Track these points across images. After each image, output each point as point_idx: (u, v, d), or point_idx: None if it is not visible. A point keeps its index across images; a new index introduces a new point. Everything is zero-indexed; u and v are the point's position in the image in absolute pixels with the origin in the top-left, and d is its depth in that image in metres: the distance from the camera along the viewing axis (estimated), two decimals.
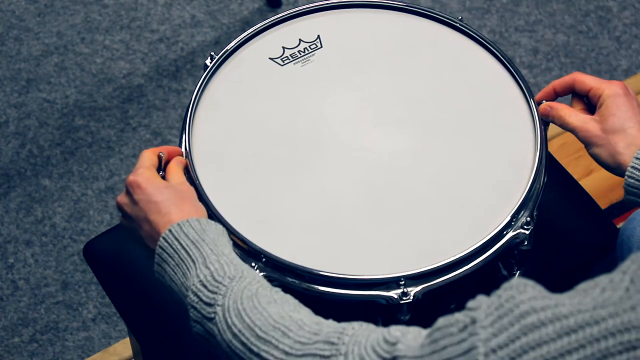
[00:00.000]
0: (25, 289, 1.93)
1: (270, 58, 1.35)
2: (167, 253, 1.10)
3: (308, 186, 1.24)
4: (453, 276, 1.17)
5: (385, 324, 1.14)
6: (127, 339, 1.85)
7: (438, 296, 1.16)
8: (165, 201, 1.13)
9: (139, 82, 2.19)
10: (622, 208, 1.96)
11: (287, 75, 1.33)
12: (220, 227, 1.13)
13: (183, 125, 1.27)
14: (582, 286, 0.83)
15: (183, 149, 1.25)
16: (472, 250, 1.17)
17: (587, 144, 1.23)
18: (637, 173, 1.18)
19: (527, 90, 1.30)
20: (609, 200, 1.97)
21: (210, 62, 1.33)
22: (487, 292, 1.27)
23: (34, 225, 2.00)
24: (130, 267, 1.39)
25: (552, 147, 2.01)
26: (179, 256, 1.09)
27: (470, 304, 0.84)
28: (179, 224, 1.10)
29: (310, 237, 1.20)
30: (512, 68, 1.32)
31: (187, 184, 1.19)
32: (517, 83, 1.32)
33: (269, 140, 1.28)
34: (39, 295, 1.93)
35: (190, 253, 1.08)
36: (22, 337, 1.89)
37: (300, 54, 1.35)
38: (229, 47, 1.34)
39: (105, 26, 2.26)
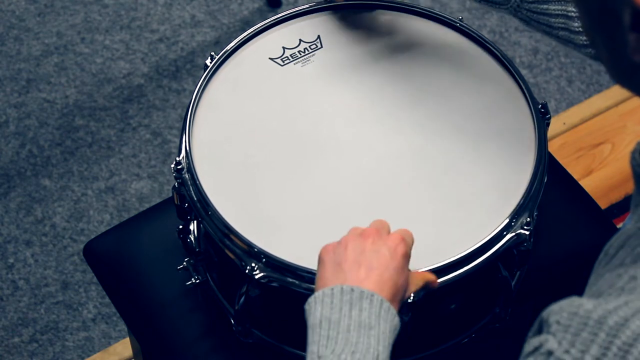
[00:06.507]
0: (25, 289, 1.93)
1: (270, 58, 1.35)
2: (337, 309, 0.99)
3: (308, 186, 1.23)
4: (453, 276, 1.17)
5: None
6: (127, 339, 1.85)
7: (438, 296, 1.16)
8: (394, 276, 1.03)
9: (139, 82, 2.19)
10: (622, 208, 1.96)
11: (287, 76, 1.33)
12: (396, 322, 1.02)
13: (183, 126, 1.27)
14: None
15: (183, 149, 1.25)
16: (472, 251, 1.17)
17: None
18: None
19: (527, 90, 1.30)
20: (609, 200, 1.97)
21: (210, 62, 1.33)
22: (487, 292, 1.27)
23: (34, 225, 2.00)
24: (130, 267, 1.39)
25: (552, 147, 2.01)
26: (340, 325, 0.98)
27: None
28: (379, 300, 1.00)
29: (311, 237, 1.19)
30: (512, 68, 1.32)
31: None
32: (517, 83, 1.32)
33: (269, 140, 1.27)
34: (39, 295, 1.93)
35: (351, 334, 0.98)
36: (22, 337, 1.89)
37: (300, 54, 1.35)
38: (229, 47, 1.34)
39: (105, 26, 2.26)
